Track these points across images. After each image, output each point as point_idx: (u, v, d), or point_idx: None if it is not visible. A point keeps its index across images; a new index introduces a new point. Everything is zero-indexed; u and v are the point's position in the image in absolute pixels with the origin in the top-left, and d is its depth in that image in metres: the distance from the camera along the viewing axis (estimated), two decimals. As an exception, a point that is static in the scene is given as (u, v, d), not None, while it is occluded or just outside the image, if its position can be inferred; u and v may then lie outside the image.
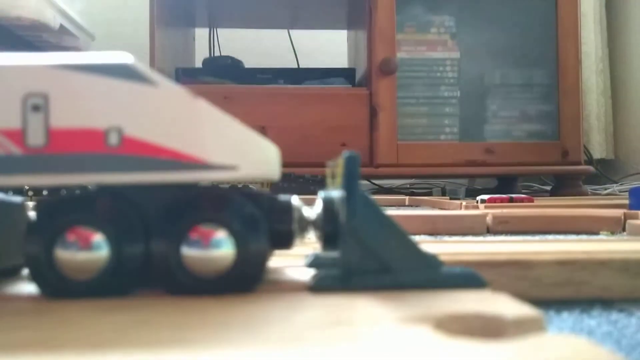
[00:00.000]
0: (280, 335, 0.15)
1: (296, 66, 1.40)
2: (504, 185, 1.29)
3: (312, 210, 0.24)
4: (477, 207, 0.77)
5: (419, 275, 0.21)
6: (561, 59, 1.12)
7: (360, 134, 1.11)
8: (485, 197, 0.85)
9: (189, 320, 0.17)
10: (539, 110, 1.13)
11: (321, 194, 0.24)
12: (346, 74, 1.21)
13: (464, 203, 0.81)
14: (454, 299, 0.18)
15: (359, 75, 1.22)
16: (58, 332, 0.16)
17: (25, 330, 0.16)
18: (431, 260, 0.21)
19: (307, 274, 0.23)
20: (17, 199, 0.28)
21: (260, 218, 0.22)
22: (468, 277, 0.21)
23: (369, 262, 0.21)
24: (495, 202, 0.82)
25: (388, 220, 0.21)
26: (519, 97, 1.13)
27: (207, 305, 0.19)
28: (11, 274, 0.27)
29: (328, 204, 0.23)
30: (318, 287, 0.21)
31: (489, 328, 0.16)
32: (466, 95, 1.13)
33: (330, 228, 0.23)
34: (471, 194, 1.04)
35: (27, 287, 0.23)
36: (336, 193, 0.23)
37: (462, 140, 1.12)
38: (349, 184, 0.21)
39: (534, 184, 1.37)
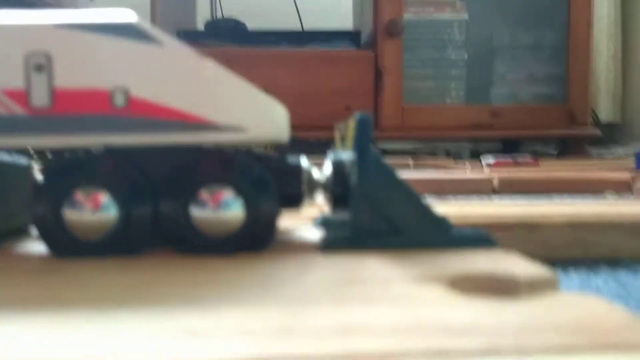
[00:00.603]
0: (294, 294, 0.15)
1: (300, 28, 1.37)
2: (509, 148, 1.28)
3: (322, 172, 0.23)
4: (482, 170, 0.76)
5: (430, 236, 0.20)
6: (572, 20, 1.09)
7: (365, 97, 1.10)
8: (491, 159, 0.85)
9: (201, 279, 0.17)
10: (547, 73, 1.11)
11: (331, 156, 0.24)
12: (351, 36, 1.19)
13: (468, 166, 0.81)
14: (466, 259, 0.18)
15: (364, 37, 1.19)
16: (70, 290, 0.16)
17: (37, 287, 0.16)
18: (442, 222, 0.21)
19: (315, 235, 0.23)
20: (23, 160, 0.28)
21: (270, 179, 0.21)
22: (479, 238, 0.21)
23: (380, 223, 0.21)
24: (500, 165, 0.82)
25: (399, 181, 0.21)
26: (527, 59, 1.11)
27: (219, 265, 0.19)
28: (18, 233, 0.27)
29: (338, 165, 0.23)
30: (328, 247, 0.20)
31: (503, 288, 0.16)
32: (473, 58, 1.11)
33: (340, 190, 0.22)
34: (476, 157, 1.03)
35: (37, 247, 0.23)
36: (346, 155, 0.23)
37: (468, 103, 1.11)
38: (361, 145, 0.20)
39: (539, 147, 1.36)
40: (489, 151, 1.31)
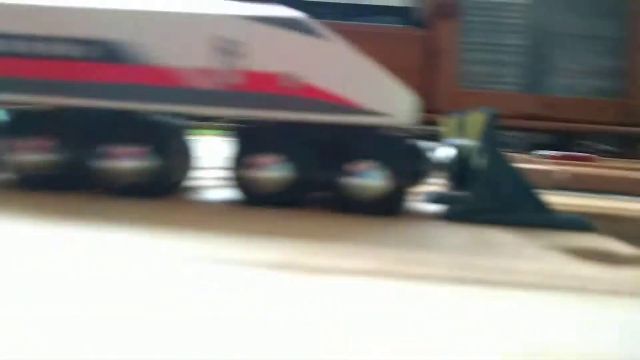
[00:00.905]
0: (452, 246, 0.19)
1: (347, 0, 1.37)
2: (562, 142, 1.28)
3: (444, 154, 0.28)
4: (536, 162, 0.78)
5: (538, 217, 0.25)
6: (635, 11, 1.08)
7: (417, 78, 1.11)
8: (548, 152, 0.87)
9: (363, 233, 0.22)
10: (607, 66, 1.10)
11: (449, 142, 0.28)
12: (401, 13, 1.18)
13: (526, 157, 0.83)
14: (572, 238, 0.23)
15: (417, 15, 1.20)
16: (263, 225, 0.21)
17: (233, 222, 0.21)
18: (546, 205, 0.25)
19: (432, 208, 0.28)
20: (181, 123, 0.33)
21: (406, 157, 0.26)
22: (579, 222, 0.25)
23: (497, 201, 0.25)
24: (559, 159, 0.84)
25: (514, 168, 0.25)
26: (587, 50, 1.10)
27: (368, 223, 0.24)
28: (177, 187, 0.32)
29: (458, 150, 0.27)
30: (454, 216, 0.25)
31: (612, 261, 0.20)
32: (532, 45, 1.11)
33: (459, 171, 0.27)
34: (529, 148, 1.05)
35: (217, 195, 0.29)
36: (465, 142, 0.27)
37: (524, 92, 1.11)
38: (490, 136, 0.25)
39: (593, 143, 1.35)
40: (542, 143, 1.32)
